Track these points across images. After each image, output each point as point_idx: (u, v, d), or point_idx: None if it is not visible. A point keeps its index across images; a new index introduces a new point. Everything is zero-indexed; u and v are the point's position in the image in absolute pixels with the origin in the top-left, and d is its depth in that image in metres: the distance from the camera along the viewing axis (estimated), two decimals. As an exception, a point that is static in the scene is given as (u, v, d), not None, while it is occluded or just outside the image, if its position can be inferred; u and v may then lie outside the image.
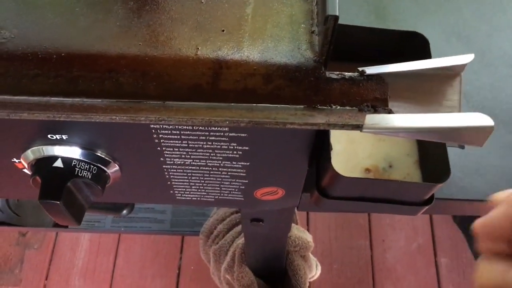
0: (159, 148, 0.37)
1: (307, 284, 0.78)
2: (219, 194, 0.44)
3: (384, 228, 1.42)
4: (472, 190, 0.53)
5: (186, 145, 0.37)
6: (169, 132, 0.35)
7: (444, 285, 1.34)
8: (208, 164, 0.39)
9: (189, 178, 0.41)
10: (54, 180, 0.36)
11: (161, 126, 0.34)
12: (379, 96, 0.32)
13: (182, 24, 0.33)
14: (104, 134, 0.36)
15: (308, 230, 1.40)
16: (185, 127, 0.34)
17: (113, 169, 0.39)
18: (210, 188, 0.43)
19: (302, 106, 0.31)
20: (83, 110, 0.30)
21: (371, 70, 0.32)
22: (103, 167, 0.38)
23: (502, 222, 0.28)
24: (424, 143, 0.47)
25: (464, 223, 1.31)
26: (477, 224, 0.29)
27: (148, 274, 1.35)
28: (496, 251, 0.28)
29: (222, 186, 0.43)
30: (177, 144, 0.36)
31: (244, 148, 0.37)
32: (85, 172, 0.37)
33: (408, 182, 0.44)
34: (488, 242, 0.28)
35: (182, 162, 0.39)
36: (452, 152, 0.42)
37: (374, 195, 0.41)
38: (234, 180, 0.41)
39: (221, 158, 0.38)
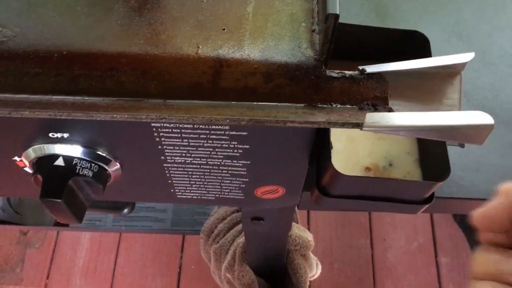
0: (159, 147, 0.37)
1: (308, 283, 0.78)
2: (219, 193, 0.44)
3: (385, 227, 1.42)
4: (472, 189, 0.54)
5: (186, 143, 0.37)
6: (170, 130, 0.35)
7: (444, 285, 1.34)
8: (209, 162, 0.39)
9: (190, 176, 0.41)
10: (55, 179, 0.36)
11: (162, 124, 0.34)
12: (379, 95, 0.32)
13: (183, 23, 0.33)
14: (105, 132, 0.36)
15: (308, 229, 1.40)
16: (185, 125, 0.35)
17: (114, 168, 0.39)
18: (210, 186, 0.43)
19: (302, 105, 0.31)
20: (84, 109, 0.30)
21: (371, 68, 0.33)
22: (104, 166, 0.38)
23: (500, 213, 0.28)
24: (424, 142, 0.47)
25: (465, 222, 1.31)
26: (476, 214, 0.29)
27: (149, 273, 1.36)
28: (494, 241, 0.29)
29: (222, 184, 0.43)
30: (178, 143, 0.37)
31: (245, 146, 0.37)
32: (86, 171, 0.37)
33: (408, 180, 0.44)
34: (486, 232, 0.29)
35: (182, 161, 0.39)
36: (452, 151, 0.42)
37: (374, 193, 0.41)
38: (235, 178, 0.41)
39: (221, 156, 0.38)
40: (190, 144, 0.37)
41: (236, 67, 0.31)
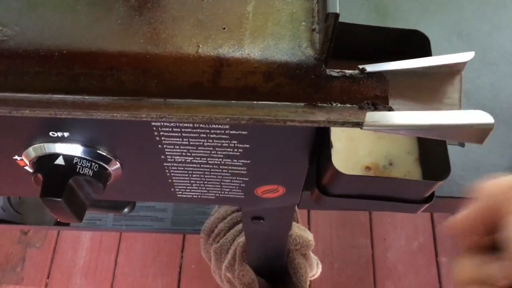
0: (160, 146, 0.37)
1: (308, 283, 0.78)
2: (219, 192, 0.44)
3: (385, 227, 1.42)
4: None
5: (187, 142, 0.37)
6: (170, 129, 0.35)
7: (445, 284, 1.34)
8: (209, 161, 0.39)
9: (190, 176, 0.41)
10: (55, 178, 0.36)
11: (162, 123, 0.34)
12: (379, 94, 0.32)
13: (183, 22, 0.33)
14: (105, 131, 0.36)
15: (309, 228, 1.40)
16: (186, 124, 0.35)
17: (114, 167, 0.39)
18: (210, 186, 0.43)
19: (302, 104, 0.31)
20: (85, 108, 0.30)
21: (371, 67, 0.33)
22: (104, 165, 0.38)
23: (480, 217, 0.28)
24: (425, 141, 0.47)
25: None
26: (455, 221, 0.29)
27: (149, 272, 1.36)
28: (475, 245, 0.29)
29: (222, 184, 0.43)
30: (178, 142, 0.37)
31: (245, 145, 0.37)
32: (87, 170, 0.37)
33: (409, 179, 0.44)
34: (464, 238, 0.29)
35: (183, 160, 0.39)
36: (453, 150, 0.42)
37: (374, 192, 0.41)
38: (235, 178, 0.41)
39: (221, 155, 0.38)
40: (190, 143, 0.37)
41: (236, 66, 0.31)
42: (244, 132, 0.35)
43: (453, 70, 0.35)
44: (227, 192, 0.44)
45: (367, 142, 0.47)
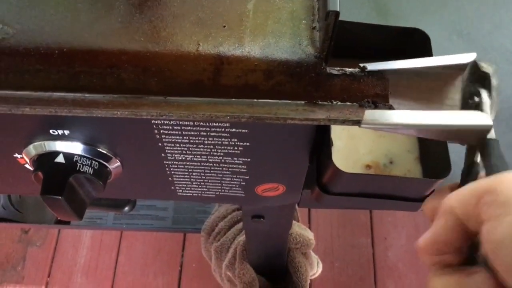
0: (160, 144, 0.37)
1: (308, 282, 0.78)
2: (220, 190, 0.44)
3: (386, 226, 1.42)
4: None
5: (187, 140, 0.37)
6: (170, 127, 0.35)
7: (445, 283, 1.34)
8: (209, 160, 0.39)
9: (190, 174, 0.41)
10: (56, 176, 0.37)
11: (162, 121, 0.34)
12: (379, 92, 0.32)
13: (184, 20, 0.33)
14: (106, 129, 0.36)
15: (309, 227, 1.40)
16: (186, 122, 0.35)
17: (114, 165, 0.39)
18: (211, 184, 0.43)
19: (303, 102, 0.31)
20: (85, 105, 0.30)
21: (372, 66, 0.32)
22: (104, 163, 0.38)
23: (444, 235, 0.27)
24: (425, 140, 0.47)
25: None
26: (421, 243, 0.28)
27: (150, 271, 1.36)
28: (446, 262, 0.28)
29: (223, 182, 0.43)
30: (178, 140, 0.37)
31: (245, 144, 0.37)
32: (87, 168, 0.37)
33: (409, 177, 0.44)
34: (435, 256, 0.28)
35: (183, 158, 0.39)
36: (453, 149, 0.42)
37: (374, 191, 0.41)
38: (235, 176, 0.41)
39: (222, 154, 0.38)
40: (191, 141, 0.37)
41: (236, 64, 0.31)
42: (244, 130, 0.35)
43: (454, 71, 0.35)
44: (227, 191, 0.44)
45: (367, 140, 0.47)
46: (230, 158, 0.39)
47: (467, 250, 0.27)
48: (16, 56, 0.31)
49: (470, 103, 0.33)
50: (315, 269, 0.82)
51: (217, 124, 0.35)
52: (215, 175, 0.42)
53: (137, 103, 0.30)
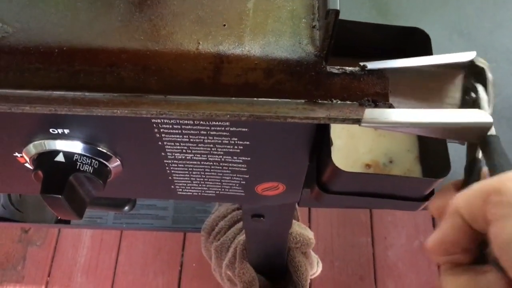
0: (160, 143, 0.37)
1: (308, 281, 0.78)
2: (220, 189, 0.44)
3: (386, 226, 1.42)
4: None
5: (187, 139, 0.37)
6: (170, 126, 0.35)
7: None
8: (209, 159, 0.39)
9: (190, 173, 0.41)
10: (55, 174, 0.37)
11: (162, 120, 0.34)
12: (379, 91, 0.32)
13: (184, 19, 0.33)
14: (106, 128, 0.36)
15: (309, 227, 1.40)
16: (186, 121, 0.35)
17: (114, 164, 0.39)
18: (211, 183, 0.43)
19: (303, 101, 0.31)
20: (85, 104, 0.30)
21: (372, 65, 0.32)
22: (104, 162, 0.38)
23: (452, 236, 0.27)
24: (425, 139, 0.47)
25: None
26: (429, 242, 0.28)
27: (150, 271, 1.36)
28: (455, 262, 0.28)
29: (223, 181, 0.43)
30: (178, 139, 0.37)
31: (245, 143, 0.37)
32: (87, 167, 0.37)
33: (409, 177, 0.44)
34: (444, 256, 0.28)
35: (183, 157, 0.39)
36: (453, 148, 0.42)
37: (374, 190, 0.41)
38: (235, 175, 0.41)
39: (222, 153, 0.38)
40: (191, 140, 0.37)
41: (236, 63, 0.31)
42: (244, 129, 0.35)
43: (454, 70, 0.35)
44: (227, 190, 0.44)
45: (367, 139, 0.47)
46: (230, 157, 0.39)
47: (476, 250, 0.27)
48: (16, 54, 0.31)
49: (467, 99, 0.33)
50: (315, 268, 0.82)
51: (217, 123, 0.35)
52: (215, 174, 0.42)
53: (137, 102, 0.30)
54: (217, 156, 0.39)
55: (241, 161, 0.39)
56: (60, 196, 0.36)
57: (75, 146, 0.36)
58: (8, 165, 0.41)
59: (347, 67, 0.32)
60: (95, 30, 0.32)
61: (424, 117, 0.30)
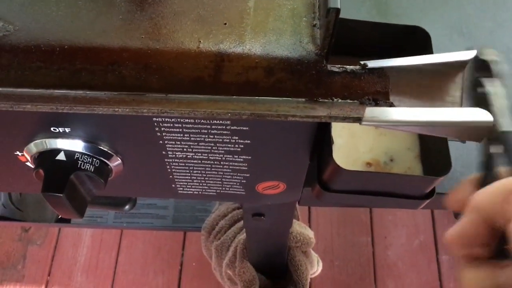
0: (161, 142, 0.37)
1: (308, 280, 0.78)
2: (220, 188, 0.44)
3: (386, 225, 1.42)
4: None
5: (188, 138, 0.37)
6: (171, 125, 0.35)
7: (445, 283, 1.34)
8: (210, 157, 0.39)
9: (191, 172, 0.42)
10: (57, 173, 0.37)
11: (163, 119, 0.34)
12: (380, 90, 0.32)
13: (185, 17, 0.33)
14: (107, 127, 0.36)
15: (309, 226, 1.40)
16: (187, 120, 0.35)
17: (115, 163, 0.39)
18: (211, 182, 0.43)
19: (303, 99, 0.31)
20: (86, 102, 0.30)
21: (373, 63, 0.33)
22: (105, 161, 0.38)
23: (472, 230, 0.27)
24: (425, 137, 0.47)
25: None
26: (450, 235, 0.29)
27: (150, 270, 1.36)
28: (475, 256, 0.28)
29: (223, 180, 0.43)
30: (179, 138, 0.37)
31: (246, 141, 0.37)
32: (88, 165, 0.37)
33: (409, 175, 0.44)
34: (465, 250, 0.28)
35: (184, 156, 0.39)
36: (454, 147, 0.42)
37: (375, 188, 0.42)
38: (236, 174, 0.42)
39: (222, 151, 0.38)
40: (191, 138, 0.37)
41: (237, 61, 0.31)
42: (245, 128, 0.35)
43: (455, 68, 0.35)
44: (228, 189, 0.44)
45: (367, 138, 0.47)
46: (231, 156, 0.39)
47: (495, 245, 0.27)
48: (17, 53, 0.31)
49: (474, 94, 0.33)
50: (315, 267, 0.82)
51: (218, 121, 0.35)
52: (216, 173, 0.42)
53: (138, 100, 0.30)
54: (217, 155, 0.39)
55: (241, 160, 0.39)
56: (61, 195, 0.36)
57: (76, 145, 0.37)
58: (9, 164, 0.41)
59: (347, 66, 0.32)
60: (96, 28, 0.32)
61: (424, 115, 0.30)
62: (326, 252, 1.38)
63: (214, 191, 0.45)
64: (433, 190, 0.42)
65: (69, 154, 0.37)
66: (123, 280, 1.35)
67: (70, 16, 0.33)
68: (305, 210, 1.43)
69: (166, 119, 0.35)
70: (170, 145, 0.38)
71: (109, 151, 0.38)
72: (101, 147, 0.37)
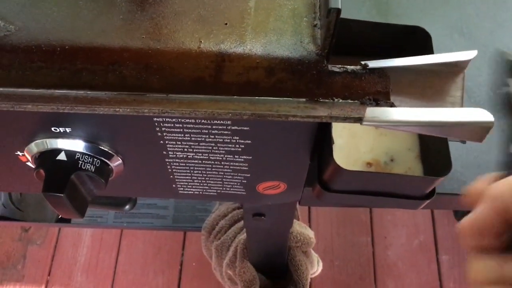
0: (162, 142, 0.37)
1: (309, 280, 0.78)
2: (221, 188, 0.44)
3: (386, 225, 1.42)
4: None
5: (188, 138, 0.37)
6: (172, 125, 0.35)
7: (445, 282, 1.34)
8: (211, 157, 0.39)
9: (192, 172, 0.42)
10: (57, 173, 0.37)
11: (164, 119, 0.34)
12: (381, 90, 0.32)
13: (185, 17, 0.33)
14: (107, 127, 0.36)
15: (309, 226, 1.39)
16: (188, 120, 0.35)
17: (116, 163, 0.39)
18: (212, 182, 0.43)
19: (304, 99, 0.31)
20: (87, 102, 0.30)
21: (373, 63, 0.33)
22: (106, 161, 0.38)
23: (488, 219, 0.28)
24: (426, 138, 0.47)
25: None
26: (465, 223, 0.29)
27: (150, 270, 1.36)
28: (485, 247, 0.28)
29: (224, 180, 0.43)
30: (180, 138, 0.37)
31: (247, 141, 0.37)
32: (88, 165, 0.37)
33: (409, 175, 0.44)
34: (477, 239, 0.28)
35: (184, 156, 0.39)
36: (454, 147, 0.42)
37: (375, 188, 0.42)
38: (236, 174, 0.42)
39: (223, 151, 0.38)
40: (192, 139, 0.37)
41: (238, 61, 0.31)
42: (245, 128, 0.35)
43: (456, 69, 0.35)
44: (228, 189, 0.44)
45: (368, 138, 0.47)
46: (231, 156, 0.39)
47: (508, 238, 0.28)
48: (18, 53, 0.31)
49: (498, 93, 0.33)
50: (315, 267, 0.82)
51: (218, 121, 0.35)
52: (217, 173, 0.42)
53: (139, 100, 0.30)
54: (218, 155, 0.39)
55: (242, 160, 0.39)
56: (62, 195, 0.36)
57: (77, 145, 0.37)
58: (9, 164, 0.41)
59: (348, 66, 0.32)
60: (97, 28, 0.32)
61: (425, 115, 0.30)
62: (326, 252, 1.38)
63: (215, 191, 0.45)
64: (433, 190, 0.42)
65: (70, 154, 0.37)
66: (123, 280, 1.35)
67: (71, 16, 0.33)
68: (305, 210, 1.43)
69: (166, 119, 0.35)
70: (170, 145, 0.38)
71: (109, 151, 0.38)
72: (102, 147, 0.37)
